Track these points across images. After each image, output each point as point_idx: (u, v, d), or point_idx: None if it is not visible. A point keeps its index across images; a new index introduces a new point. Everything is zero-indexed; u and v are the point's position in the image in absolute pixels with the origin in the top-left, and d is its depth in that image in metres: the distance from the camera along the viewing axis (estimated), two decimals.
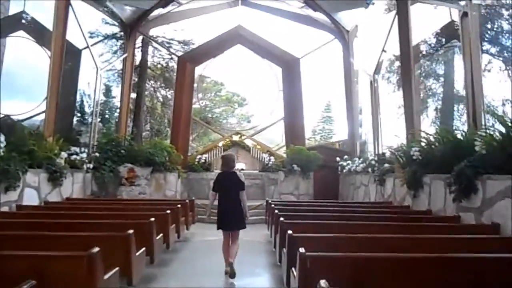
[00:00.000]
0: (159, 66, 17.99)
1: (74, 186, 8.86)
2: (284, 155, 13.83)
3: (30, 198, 7.04)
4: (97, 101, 12.15)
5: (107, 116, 16.51)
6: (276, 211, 5.74)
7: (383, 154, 10.08)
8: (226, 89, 29.96)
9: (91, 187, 9.83)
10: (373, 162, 10.05)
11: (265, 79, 15.81)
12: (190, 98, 14.39)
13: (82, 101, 13.96)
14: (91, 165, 9.41)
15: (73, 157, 8.93)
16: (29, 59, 11.06)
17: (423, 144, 7.52)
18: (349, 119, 13.51)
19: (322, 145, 13.44)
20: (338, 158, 12.36)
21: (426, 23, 10.52)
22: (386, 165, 9.20)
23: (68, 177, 8.32)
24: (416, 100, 8.99)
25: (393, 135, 11.40)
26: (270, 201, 7.64)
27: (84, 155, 9.39)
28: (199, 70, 15.39)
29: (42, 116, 10.47)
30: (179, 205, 6.60)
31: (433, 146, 7.10)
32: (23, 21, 10.05)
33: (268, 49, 14.18)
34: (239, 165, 13.61)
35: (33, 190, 7.18)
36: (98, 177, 9.81)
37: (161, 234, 5.33)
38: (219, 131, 17.52)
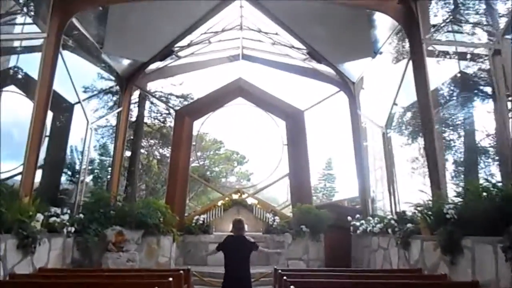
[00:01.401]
0: (156, 121, 17.32)
1: (50, 254, 7.61)
2: (290, 215, 12.68)
3: None
4: (87, 158, 11.20)
5: (99, 174, 15.57)
6: (292, 287, 4.55)
7: (403, 212, 8.98)
8: (226, 147, 29.50)
9: (71, 255, 8.57)
10: (392, 221, 8.91)
11: (267, 134, 15.07)
12: (188, 154, 13.49)
13: (72, 158, 13.11)
14: (72, 229, 8.22)
15: (52, 219, 7.79)
16: (21, 115, 10.40)
17: (455, 200, 6.52)
18: (359, 175, 12.51)
19: (332, 203, 12.35)
20: (349, 218, 11.21)
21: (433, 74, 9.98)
22: (409, 225, 8.08)
23: (43, 243, 7.11)
24: (439, 151, 8.07)
25: (408, 192, 10.48)
26: (280, 271, 6.43)
27: (66, 216, 8.24)
28: (197, 125, 14.67)
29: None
30: (170, 278, 5.38)
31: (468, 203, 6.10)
32: (15, 75, 9.49)
33: (270, 102, 13.55)
34: None
35: None
36: (80, 242, 8.59)
37: None
38: (218, 189, 16.42)
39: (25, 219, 6.51)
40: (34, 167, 7.90)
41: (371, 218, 10.57)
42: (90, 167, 15.57)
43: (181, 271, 6.37)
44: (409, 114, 11.10)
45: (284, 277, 5.41)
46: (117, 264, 8.77)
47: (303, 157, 12.73)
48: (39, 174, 10.18)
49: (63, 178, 11.81)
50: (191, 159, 14.48)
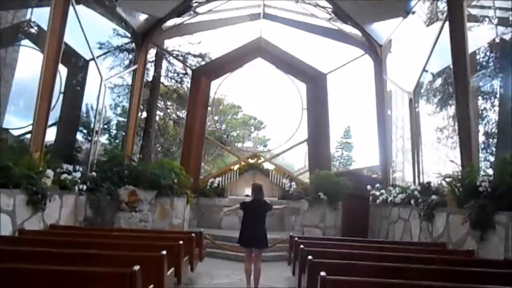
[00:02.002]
0: (172, 81, 16.88)
1: (62, 211, 7.49)
2: (307, 181, 12.33)
3: (1, 226, 5.68)
4: (102, 116, 10.94)
5: (114, 134, 15.41)
6: (310, 257, 4.20)
7: (428, 183, 8.50)
8: (243, 112, 29.04)
9: (84, 213, 8.45)
10: (415, 192, 8.45)
11: (286, 97, 14.50)
12: (204, 115, 13.10)
13: (87, 116, 12.93)
14: (84, 186, 8.04)
15: (64, 176, 7.60)
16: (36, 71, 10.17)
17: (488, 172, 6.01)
18: (380, 143, 11.95)
19: (351, 172, 11.90)
20: (369, 187, 10.79)
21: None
22: (434, 196, 7.62)
23: (54, 200, 6.96)
24: (474, 120, 7.46)
25: (433, 162, 9.98)
26: (296, 238, 6.12)
27: (78, 174, 8.06)
28: (214, 87, 14.18)
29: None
30: (181, 241, 5.12)
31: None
32: (28, 28, 9.14)
33: (291, 64, 12.90)
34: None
35: (5, 215, 5.82)
36: (92, 201, 8.44)
37: (151, 286, 3.85)
38: (234, 152, 16.09)
39: (33, 175, 6.28)
40: (45, 121, 7.63)
41: (391, 188, 10.14)
42: (105, 127, 15.50)
43: (193, 234, 6.14)
44: (439, 81, 10.40)
45: (301, 246, 5.08)
46: (129, 224, 8.64)
47: (323, 122, 12.20)
48: (53, 131, 10.17)
49: (78, 137, 11.67)
50: (208, 123, 14.18)
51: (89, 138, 12.55)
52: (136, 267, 3.29)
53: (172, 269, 4.73)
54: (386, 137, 11.83)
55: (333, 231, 9.91)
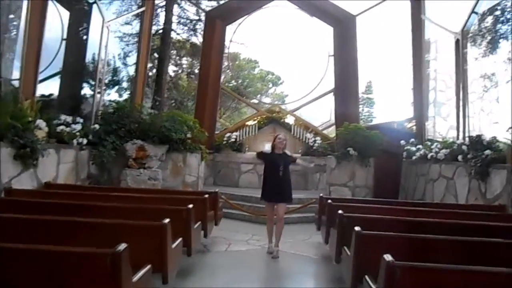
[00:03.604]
0: (185, 29, 15.57)
1: (60, 167, 6.62)
2: (333, 136, 11.23)
3: None
4: (106, 63, 9.90)
5: (124, 86, 14.44)
6: (357, 228, 3.19)
7: (478, 136, 7.28)
8: (260, 67, 27.70)
9: (87, 169, 7.61)
10: (463, 147, 7.27)
11: (309, 45, 13.13)
12: (219, 63, 11.88)
13: (94, 65, 11.96)
14: (84, 140, 7.12)
15: (60, 128, 6.67)
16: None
17: None
18: (416, 93, 10.68)
19: (383, 125, 10.70)
20: (403, 142, 9.65)
21: None
22: (488, 151, 6.45)
23: (48, 154, 6.05)
24: None
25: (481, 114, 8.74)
26: (330, 201, 5.11)
27: (78, 126, 7.13)
28: (230, 34, 12.83)
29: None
30: (191, 205, 4.16)
31: None
32: None
33: (317, 5, 11.40)
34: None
35: None
36: (96, 156, 7.56)
37: (148, 267, 2.92)
38: (253, 105, 14.96)
39: (18, 125, 5.34)
40: (35, 67, 6.62)
41: (429, 143, 8.99)
42: (114, 78, 14.51)
43: (206, 195, 5.18)
44: (489, 19, 8.93)
45: (340, 211, 4.07)
46: (138, 182, 7.78)
47: (352, 70, 10.87)
48: (57, 83, 9.30)
49: (86, 89, 10.73)
50: (223, 78, 13.00)
51: (94, 88, 11.66)
52: (122, 246, 2.33)
53: (179, 240, 3.80)
54: (422, 88, 10.54)
55: (363, 190, 8.89)
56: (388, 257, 2.27)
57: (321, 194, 6.40)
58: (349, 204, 5.20)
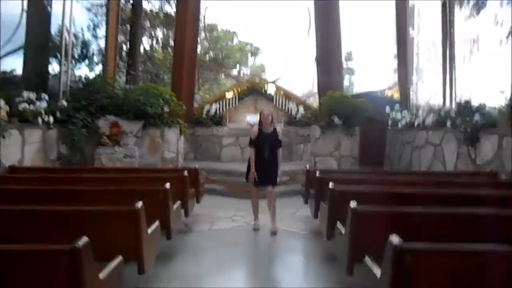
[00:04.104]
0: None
1: (25, 149, 6.10)
2: (316, 106, 10.91)
3: None
4: (70, 35, 9.17)
5: (95, 60, 13.65)
6: (353, 205, 2.87)
7: (467, 102, 7.04)
8: (239, 38, 26.94)
9: (57, 150, 7.09)
10: (451, 113, 7.05)
11: (289, 13, 12.56)
12: (195, 32, 11.25)
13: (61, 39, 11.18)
14: (51, 118, 6.58)
15: (23, 106, 6.11)
16: None
17: None
18: (401, 58, 10.37)
19: (367, 93, 10.38)
20: (388, 108, 9.39)
21: None
22: (477, 117, 6.23)
23: (9, 135, 5.52)
24: None
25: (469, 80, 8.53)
26: (317, 173, 4.81)
27: (44, 104, 6.57)
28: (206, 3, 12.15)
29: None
30: (167, 185, 3.78)
31: None
32: None
33: None
34: (252, 118, 10.72)
35: None
36: (65, 135, 7.04)
37: (118, 259, 2.55)
38: (232, 75, 14.41)
39: None
40: None
41: (419, 109, 8.76)
42: (83, 51, 13.70)
43: (186, 173, 4.80)
44: None
45: (331, 184, 3.76)
46: (113, 160, 7.33)
47: (334, 34, 10.41)
48: (20, 59, 8.54)
49: (52, 64, 10.01)
50: (200, 49, 12.36)
51: (61, 64, 10.98)
52: (82, 240, 1.95)
53: (156, 223, 3.43)
54: (407, 52, 10.23)
55: (349, 160, 8.65)
56: (394, 238, 1.95)
57: (307, 166, 6.10)
58: (338, 177, 4.91)
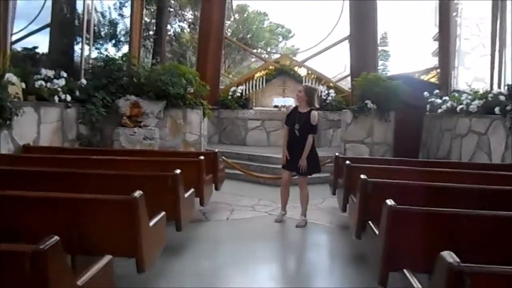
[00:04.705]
0: None
1: (41, 128, 5.88)
2: (348, 89, 10.27)
3: None
4: (97, 13, 8.95)
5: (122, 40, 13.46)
6: (391, 203, 2.38)
7: None
8: (270, 20, 26.29)
9: (76, 130, 6.88)
10: (501, 97, 6.30)
11: None
12: (222, 9, 10.75)
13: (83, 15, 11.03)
14: (68, 97, 6.33)
15: (39, 83, 5.88)
16: None
17: None
18: (443, 39, 9.61)
19: (404, 75, 9.63)
20: (426, 93, 8.65)
21: None
22: None
23: (23, 114, 5.27)
24: None
25: None
26: (348, 162, 4.31)
27: (62, 81, 6.32)
28: None
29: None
30: (177, 171, 3.40)
31: None
32: None
33: None
34: (287, 101, 10.24)
35: None
36: (84, 115, 6.79)
37: (106, 258, 2.19)
38: (260, 55, 13.87)
39: None
40: (4, 13, 5.71)
41: (456, 94, 8.02)
42: (110, 31, 13.51)
43: (202, 157, 4.40)
44: None
45: (363, 176, 3.27)
46: (132, 142, 7.05)
47: (370, 12, 9.67)
48: (46, 38, 8.46)
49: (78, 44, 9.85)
50: (229, 31, 11.83)
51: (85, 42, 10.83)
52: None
53: (161, 214, 3.05)
54: (450, 33, 9.45)
55: (383, 147, 8.05)
56: (448, 256, 1.47)
57: (336, 153, 5.59)
58: (370, 165, 4.39)
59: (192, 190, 3.98)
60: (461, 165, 5.93)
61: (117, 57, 8.16)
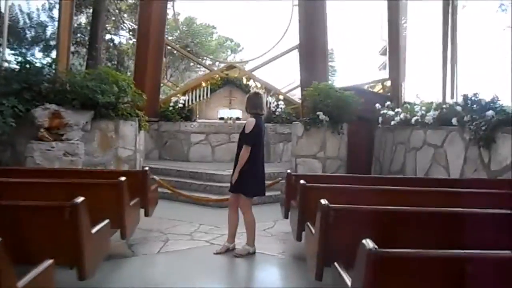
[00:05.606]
0: None
1: None
2: (298, 100, 9.76)
3: None
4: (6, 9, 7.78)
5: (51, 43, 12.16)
6: (369, 244, 1.67)
7: (475, 95, 5.99)
8: (218, 33, 25.71)
9: None
10: (458, 108, 5.98)
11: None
12: (163, 13, 9.92)
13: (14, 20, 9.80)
14: None
15: None
16: None
17: None
18: (392, 50, 9.43)
19: (356, 87, 9.24)
20: (378, 105, 8.31)
21: None
22: (490, 112, 5.20)
23: None
24: None
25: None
26: (302, 181, 3.60)
27: None
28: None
29: None
30: (79, 199, 2.49)
31: None
32: None
33: None
34: (233, 113, 9.53)
35: None
36: None
37: None
38: (205, 64, 13.09)
39: None
40: None
41: (408, 106, 7.74)
42: (39, 34, 12.23)
43: (122, 178, 3.49)
44: None
45: (324, 201, 2.56)
46: (49, 159, 5.93)
47: (320, 21, 9.29)
48: None
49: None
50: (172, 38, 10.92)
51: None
52: None
53: (49, 261, 2.14)
54: (399, 45, 9.30)
55: (336, 162, 7.52)
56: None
57: (288, 170, 4.90)
58: (327, 185, 3.71)
59: (106, 221, 3.06)
60: (422, 182, 5.47)
61: (31, 60, 7.03)
